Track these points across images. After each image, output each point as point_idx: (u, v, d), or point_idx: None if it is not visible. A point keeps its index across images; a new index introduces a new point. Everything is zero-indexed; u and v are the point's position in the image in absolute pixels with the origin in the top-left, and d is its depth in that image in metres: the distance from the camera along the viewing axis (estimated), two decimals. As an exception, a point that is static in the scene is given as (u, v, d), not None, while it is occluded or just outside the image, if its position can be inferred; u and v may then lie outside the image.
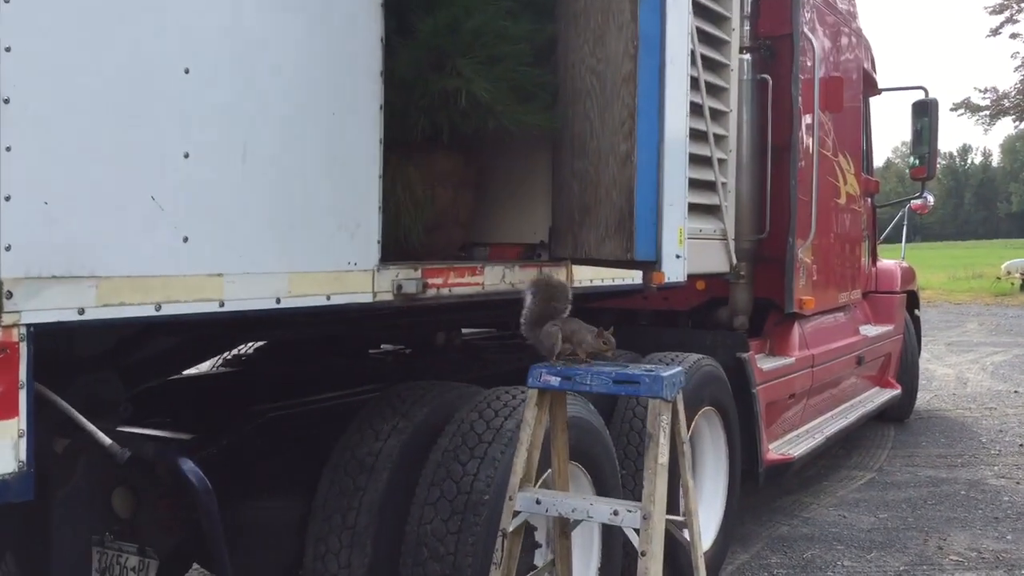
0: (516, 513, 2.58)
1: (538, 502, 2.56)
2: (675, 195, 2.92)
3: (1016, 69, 38.26)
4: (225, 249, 2.17)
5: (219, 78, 2.15)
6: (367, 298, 2.58)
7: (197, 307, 2.11)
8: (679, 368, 2.56)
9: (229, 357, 4.64)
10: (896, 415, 8.46)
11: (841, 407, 6.92)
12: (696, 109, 4.31)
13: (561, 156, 3.14)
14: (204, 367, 4.61)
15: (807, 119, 5.70)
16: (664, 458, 2.40)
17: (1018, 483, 6.66)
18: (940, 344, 14.74)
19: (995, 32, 37.41)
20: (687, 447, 2.64)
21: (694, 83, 4.23)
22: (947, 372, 12.05)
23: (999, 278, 27.73)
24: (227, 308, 2.17)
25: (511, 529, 2.57)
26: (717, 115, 4.81)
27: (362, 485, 3.06)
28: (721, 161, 4.84)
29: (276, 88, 2.29)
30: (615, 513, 2.45)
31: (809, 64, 5.67)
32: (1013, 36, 37.72)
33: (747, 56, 5.48)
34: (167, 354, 2.85)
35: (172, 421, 3.56)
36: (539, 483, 2.79)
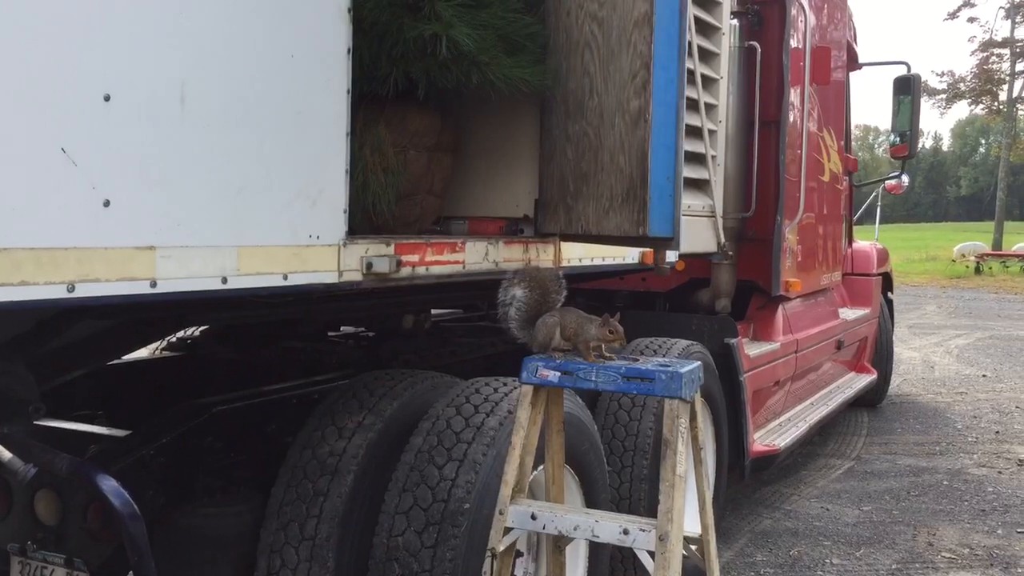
0: (508, 530, 2.21)
1: (534, 517, 2.20)
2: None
3: (972, 53, 38.55)
4: (157, 216, 1.76)
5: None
6: (331, 278, 2.18)
7: (121, 287, 1.70)
8: (697, 363, 2.20)
9: (173, 340, 4.19)
10: (870, 400, 8.25)
11: (820, 393, 6.67)
12: (688, 75, 3.94)
13: (552, 117, 2.76)
14: (143, 352, 4.17)
15: (796, 91, 5.38)
16: (683, 468, 2.05)
17: (1000, 472, 6.46)
18: (903, 327, 14.63)
19: (952, 15, 37.69)
20: (705, 453, 2.28)
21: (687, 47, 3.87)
22: (913, 355, 11.93)
23: (954, 260, 28.02)
24: (160, 289, 1.76)
25: (502, 548, 2.20)
26: (708, 82, 4.44)
27: (323, 490, 2.70)
28: (711, 132, 4.47)
29: (222, 19, 1.88)
30: (625, 532, 2.09)
31: (800, 32, 5.34)
32: (970, 20, 38.08)
33: (735, 22, 5.14)
34: (92, 342, 2.43)
35: (104, 414, 3.14)
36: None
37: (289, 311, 3.07)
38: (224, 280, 1.89)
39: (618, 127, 2.35)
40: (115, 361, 3.65)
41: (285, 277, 2.05)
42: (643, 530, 2.08)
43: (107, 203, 1.67)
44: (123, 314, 2.37)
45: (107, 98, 1.66)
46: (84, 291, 1.63)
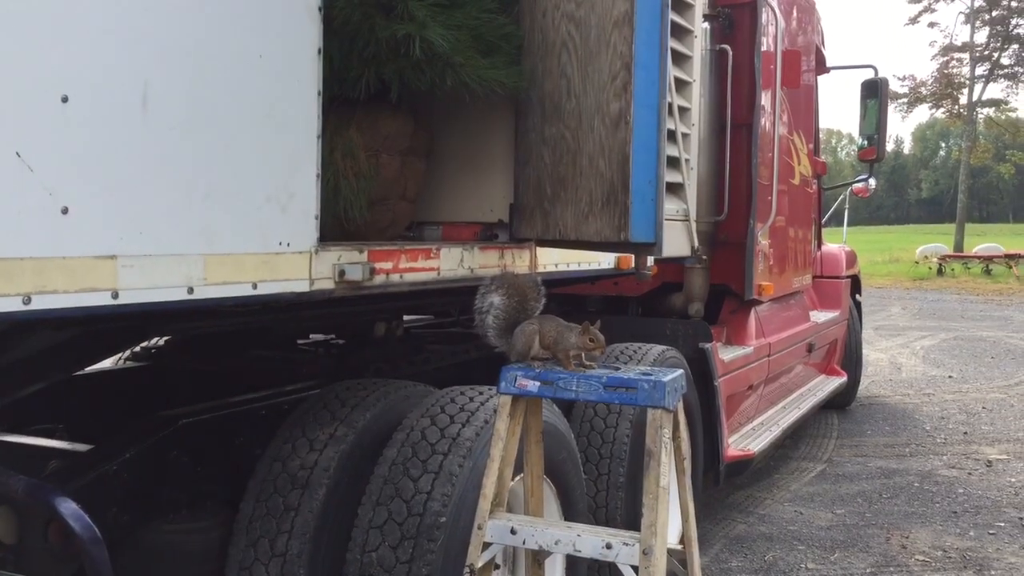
0: (487, 545, 2.14)
1: (513, 532, 2.13)
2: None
3: (933, 58, 39.10)
4: (119, 224, 1.67)
5: (111, -1, 1.65)
6: (303, 286, 2.10)
7: (81, 299, 1.61)
8: (679, 372, 2.15)
9: (137, 350, 4.07)
10: (839, 402, 8.28)
11: (792, 396, 6.68)
12: (661, 77, 3.90)
13: (528, 120, 2.69)
14: (106, 362, 4.04)
15: (767, 94, 5.37)
16: (667, 480, 1.99)
17: (969, 474, 6.49)
18: (868, 328, 14.74)
19: (914, 20, 38.20)
20: (688, 463, 2.23)
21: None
22: (880, 356, 12.02)
23: (917, 262, 28.37)
24: (122, 300, 1.67)
25: (480, 564, 2.13)
26: (681, 85, 4.40)
27: (294, 504, 2.61)
28: (685, 136, 4.44)
29: (187, 17, 1.79)
30: (608, 547, 2.03)
31: (771, 36, 5.33)
32: (931, 25, 38.57)
33: (706, 25, 5.12)
34: (50, 354, 2.32)
35: (64, 428, 3.02)
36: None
37: (258, 320, 2.98)
38: (190, 290, 1.81)
39: (597, 130, 2.29)
40: (76, 373, 3.55)
41: (254, 286, 1.96)
42: (626, 544, 2.02)
43: (65, 210, 1.58)
44: (83, 325, 2.27)
45: (65, 99, 1.57)
46: (41, 303, 1.54)
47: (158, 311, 1.77)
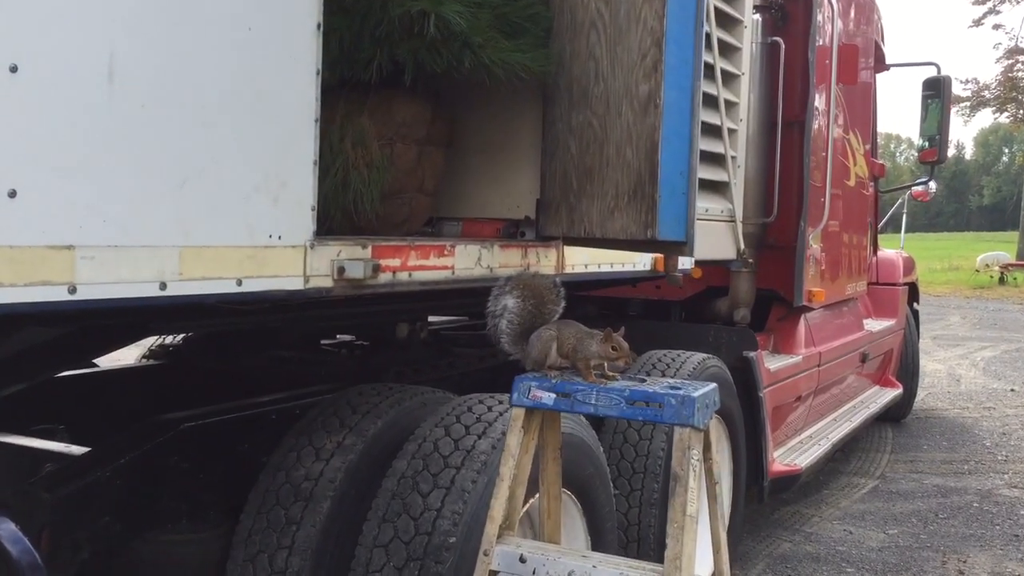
0: (493, 573, 1.93)
1: (523, 560, 1.92)
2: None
3: (997, 60, 38.02)
4: (78, 211, 1.49)
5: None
6: (296, 283, 1.91)
7: (31, 293, 1.43)
8: (712, 386, 1.92)
9: (154, 348, 3.94)
10: (894, 415, 7.92)
11: (843, 408, 6.36)
12: (707, 70, 3.66)
13: (555, 108, 2.48)
14: (124, 359, 3.92)
15: (821, 91, 5.09)
16: (694, 507, 1.76)
17: (1033, 495, 6.12)
18: (926, 338, 14.21)
19: (978, 23, 37.07)
20: (720, 488, 2.00)
21: (706, 40, 3.58)
22: (938, 368, 11.57)
23: (977, 270, 27.54)
24: (81, 296, 1.50)
25: (485, 595, 1.92)
26: (729, 78, 4.15)
27: (296, 518, 2.44)
28: (732, 131, 4.19)
29: (163, -17, 1.61)
30: (626, 581, 1.81)
31: (827, 28, 5.05)
32: (995, 27, 37.57)
33: (757, 16, 4.86)
34: (33, 353, 2.16)
35: (63, 429, 2.88)
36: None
37: (266, 319, 2.80)
38: (163, 286, 1.63)
39: (625, 115, 2.07)
40: (84, 371, 3.42)
41: (239, 282, 1.78)
42: (648, 579, 1.80)
43: (12, 193, 1.40)
44: (71, 322, 2.11)
45: (14, 69, 1.40)
46: (-17, 298, 1.38)
47: (125, 308, 1.59)
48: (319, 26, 1.93)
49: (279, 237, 1.86)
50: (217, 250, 1.72)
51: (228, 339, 3.79)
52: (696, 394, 1.83)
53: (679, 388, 1.87)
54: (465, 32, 2.25)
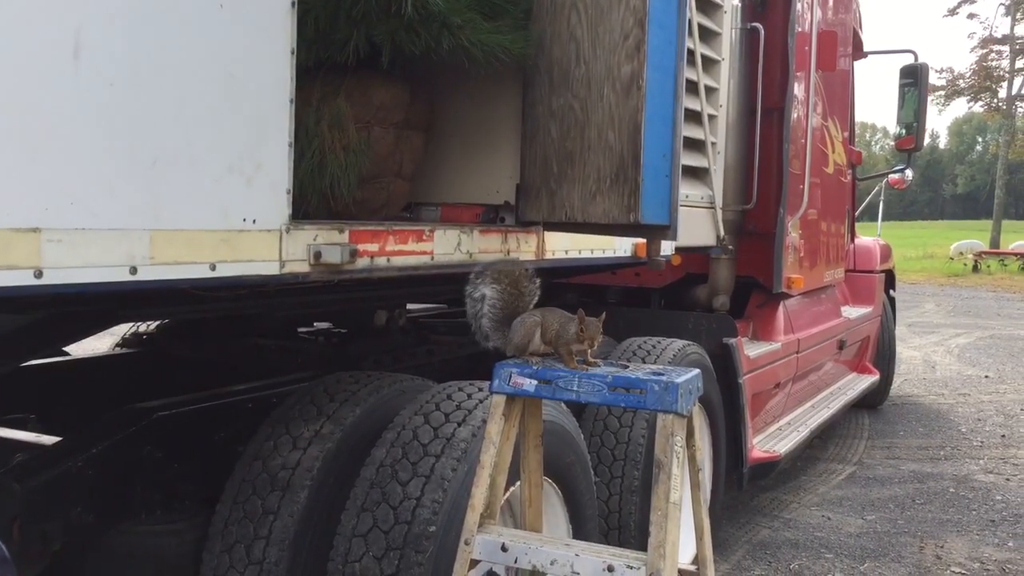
0: (474, 563, 1.91)
1: (504, 548, 1.89)
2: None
3: (972, 50, 38.29)
4: (44, 192, 1.44)
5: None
6: (271, 268, 1.87)
7: (-5, 278, 1.38)
8: (695, 372, 1.90)
9: (128, 336, 3.88)
10: (871, 401, 7.97)
11: (821, 395, 6.38)
12: (688, 55, 3.63)
13: (535, 91, 2.44)
14: (97, 348, 3.86)
15: (800, 77, 5.07)
16: (678, 495, 1.74)
17: (1008, 480, 6.17)
18: (901, 325, 14.32)
19: (952, 12, 37.36)
20: (703, 475, 1.98)
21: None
22: (913, 355, 11.66)
23: (952, 258, 27.79)
24: (47, 280, 1.45)
25: (466, 585, 1.89)
26: (709, 64, 4.13)
27: (273, 508, 2.40)
28: (711, 117, 4.17)
29: (132, -42, 1.56)
30: (610, 569, 1.79)
31: (806, 15, 5.03)
32: (970, 16, 37.78)
33: (737, 2, 4.83)
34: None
35: (35, 418, 2.83)
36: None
37: (244, 305, 2.75)
38: (133, 270, 1.58)
39: (607, 98, 2.04)
40: (56, 359, 3.35)
41: (212, 267, 1.74)
42: (631, 567, 1.77)
43: (-26, 174, 1.36)
44: (38, 307, 2.06)
45: (-26, 44, 1.35)
46: (-57, 282, 1.33)
47: (94, 293, 1.54)
48: (294, 4, 1.88)
49: (254, 221, 1.82)
50: (189, 233, 1.68)
51: (203, 327, 3.74)
52: (679, 380, 1.81)
53: (662, 374, 1.85)
54: (443, 13, 2.21)
